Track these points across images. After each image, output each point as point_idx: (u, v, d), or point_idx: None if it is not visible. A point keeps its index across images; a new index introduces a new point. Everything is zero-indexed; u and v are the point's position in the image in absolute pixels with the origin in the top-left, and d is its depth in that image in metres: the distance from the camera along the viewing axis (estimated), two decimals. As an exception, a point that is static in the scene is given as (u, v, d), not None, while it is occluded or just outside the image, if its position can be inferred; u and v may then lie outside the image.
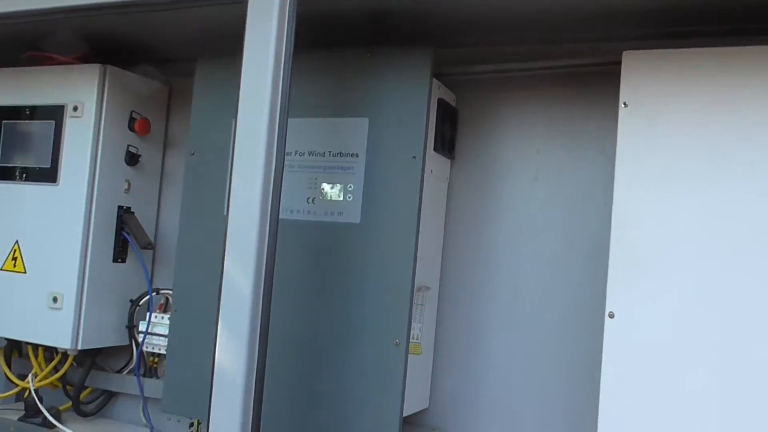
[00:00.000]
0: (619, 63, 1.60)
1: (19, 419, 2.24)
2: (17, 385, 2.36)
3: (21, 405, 2.37)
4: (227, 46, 1.83)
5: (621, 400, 1.52)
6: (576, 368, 1.85)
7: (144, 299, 2.30)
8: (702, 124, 1.50)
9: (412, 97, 1.75)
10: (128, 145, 2.25)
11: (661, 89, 1.54)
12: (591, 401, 1.61)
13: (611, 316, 1.55)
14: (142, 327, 2.26)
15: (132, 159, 2.26)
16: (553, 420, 1.87)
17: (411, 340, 1.76)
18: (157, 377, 2.31)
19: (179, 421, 2.33)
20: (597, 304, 1.73)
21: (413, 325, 1.77)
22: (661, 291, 1.50)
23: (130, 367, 2.36)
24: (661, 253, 1.51)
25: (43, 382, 2.29)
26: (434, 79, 1.79)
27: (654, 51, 1.55)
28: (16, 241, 2.23)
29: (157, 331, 2.23)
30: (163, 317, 2.23)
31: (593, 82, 1.88)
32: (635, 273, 1.53)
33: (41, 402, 2.25)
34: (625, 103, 1.58)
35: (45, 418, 2.23)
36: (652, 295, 1.51)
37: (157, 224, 2.42)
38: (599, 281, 1.60)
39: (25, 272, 2.21)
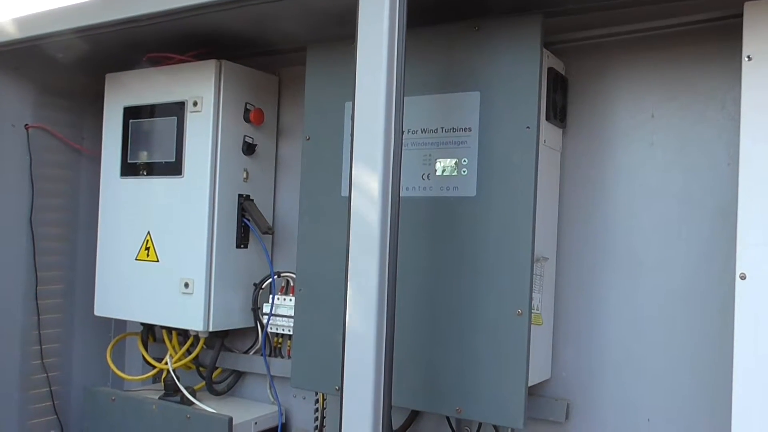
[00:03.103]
0: (737, 16, 1.55)
1: (159, 398, 2.40)
2: (155, 367, 2.53)
3: (158, 386, 2.54)
4: (336, 30, 1.91)
5: (757, 365, 1.47)
6: (702, 333, 1.81)
7: (266, 282, 2.41)
8: (836, 71, 1.43)
9: (523, 67, 1.75)
10: (244, 136, 2.36)
11: (787, 39, 1.48)
12: (720, 366, 1.58)
13: (743, 277, 1.51)
14: (266, 309, 2.37)
15: (249, 149, 2.36)
16: (680, 387, 1.84)
17: (532, 310, 1.77)
18: (282, 357, 2.42)
19: (304, 398, 2.44)
20: (722, 268, 1.70)
21: (533, 295, 1.78)
22: (798, 248, 1.45)
23: (257, 347, 2.48)
24: (795, 209, 1.46)
25: (178, 364, 2.45)
26: (543, 48, 1.78)
27: (778, -1, 1.49)
28: (148, 232, 2.38)
29: (280, 312, 2.34)
30: (285, 299, 2.34)
31: (707, 39, 1.82)
32: (767, 231, 1.48)
33: (179, 381, 2.40)
34: (749, 57, 1.52)
35: (183, 396, 2.37)
36: (788, 253, 1.46)
37: (274, 210, 2.52)
38: (725, 244, 1.56)
39: (157, 261, 2.36)
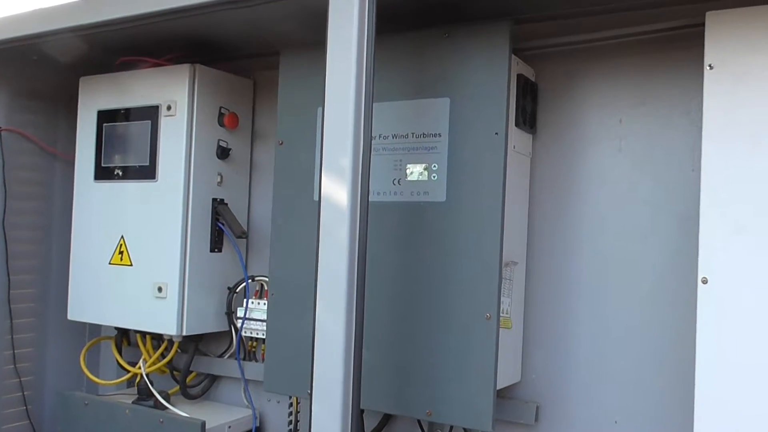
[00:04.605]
0: (701, 25, 1.58)
1: (133, 402, 2.39)
2: (128, 372, 2.52)
3: (133, 390, 2.53)
4: (309, 36, 1.92)
5: (718, 367, 1.50)
6: (667, 336, 1.84)
7: (241, 286, 2.41)
8: (793, 80, 1.47)
9: (491, 74, 1.77)
10: (219, 140, 2.36)
11: (747, 48, 1.52)
12: (685, 369, 1.61)
13: (704, 281, 1.54)
14: (240, 313, 2.37)
15: (223, 153, 2.37)
16: (646, 389, 1.87)
17: (501, 314, 1.79)
18: (256, 360, 2.43)
19: (278, 402, 2.45)
20: (688, 272, 1.73)
21: (502, 299, 1.80)
22: (756, 253, 1.48)
23: (231, 351, 2.48)
24: (754, 215, 1.48)
25: (152, 368, 2.45)
26: (513, 55, 1.81)
27: (738, 9, 1.52)
28: (122, 236, 2.38)
29: (254, 316, 2.34)
30: (259, 303, 2.34)
31: (673, 47, 1.86)
32: (728, 237, 1.51)
33: (152, 386, 2.39)
34: (710, 65, 1.55)
35: (156, 400, 2.37)
36: (747, 258, 1.49)
37: (249, 214, 2.53)
38: (689, 249, 1.59)
39: (131, 265, 2.35)
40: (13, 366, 2.63)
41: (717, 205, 1.53)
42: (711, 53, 1.55)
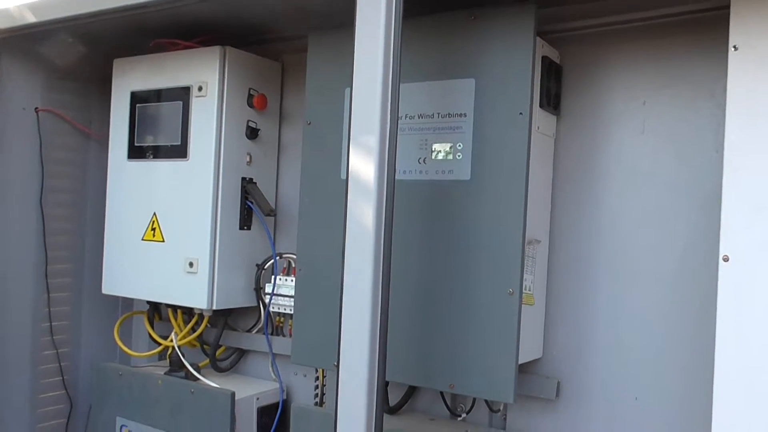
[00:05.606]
0: (725, 7, 1.59)
1: (165, 373, 2.48)
2: (160, 344, 2.61)
3: (163, 363, 2.62)
4: (337, 18, 1.96)
5: (738, 345, 1.53)
6: (689, 315, 1.86)
7: (269, 263, 2.48)
8: (818, 61, 1.48)
9: (516, 55, 1.79)
10: (248, 121, 2.42)
11: (772, 30, 1.53)
12: (706, 347, 1.64)
13: (726, 259, 1.56)
14: (268, 289, 2.44)
15: (252, 133, 2.42)
16: (667, 367, 1.90)
17: (524, 291, 1.82)
18: (283, 335, 2.49)
19: (305, 376, 2.51)
20: (710, 252, 1.74)
21: (525, 276, 1.84)
22: (778, 232, 1.50)
23: (259, 326, 2.55)
24: (776, 194, 1.50)
25: (183, 341, 2.53)
26: (538, 37, 1.83)
27: (764, -10, 1.53)
28: (154, 213, 2.45)
29: (281, 292, 2.41)
30: (286, 279, 2.40)
31: (698, 29, 1.86)
32: (750, 214, 1.53)
33: (184, 358, 2.47)
34: (735, 47, 1.56)
35: (188, 372, 2.45)
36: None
37: (276, 193, 2.59)
38: (712, 230, 1.61)
39: (163, 241, 2.43)
40: (50, 338, 2.73)
41: (739, 183, 1.54)
42: (736, 34, 1.56)
